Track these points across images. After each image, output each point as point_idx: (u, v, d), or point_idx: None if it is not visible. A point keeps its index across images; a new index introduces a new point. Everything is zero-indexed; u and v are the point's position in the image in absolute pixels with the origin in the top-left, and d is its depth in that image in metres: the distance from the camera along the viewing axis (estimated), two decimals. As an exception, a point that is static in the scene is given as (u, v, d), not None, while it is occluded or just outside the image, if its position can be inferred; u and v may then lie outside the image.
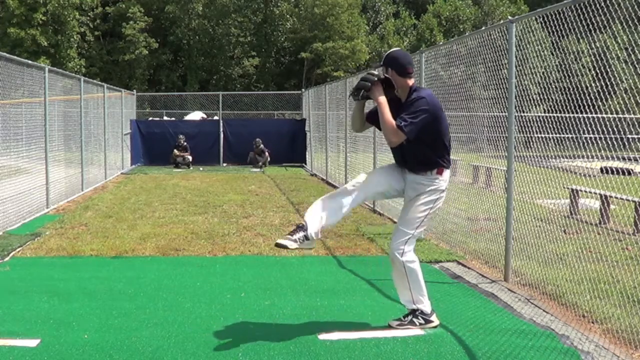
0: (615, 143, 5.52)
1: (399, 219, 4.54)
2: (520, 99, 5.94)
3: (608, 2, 4.55)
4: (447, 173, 4.46)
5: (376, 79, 4.34)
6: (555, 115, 6.30)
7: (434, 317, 4.53)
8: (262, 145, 19.84)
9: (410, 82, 4.41)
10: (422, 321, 4.48)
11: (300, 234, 4.30)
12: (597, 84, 5.09)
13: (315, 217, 4.36)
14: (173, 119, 27.05)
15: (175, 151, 19.44)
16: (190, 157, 19.50)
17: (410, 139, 4.22)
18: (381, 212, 10.10)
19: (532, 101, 6.47)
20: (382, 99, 4.30)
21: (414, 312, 4.50)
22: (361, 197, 4.48)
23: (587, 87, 5.54)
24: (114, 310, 4.95)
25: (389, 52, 4.55)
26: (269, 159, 19.79)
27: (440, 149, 4.39)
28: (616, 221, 9.12)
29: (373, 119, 4.56)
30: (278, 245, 4.29)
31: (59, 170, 11.81)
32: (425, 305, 4.50)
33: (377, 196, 4.71)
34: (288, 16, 46.95)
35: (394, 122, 4.20)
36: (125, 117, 19.74)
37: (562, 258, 6.17)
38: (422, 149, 4.31)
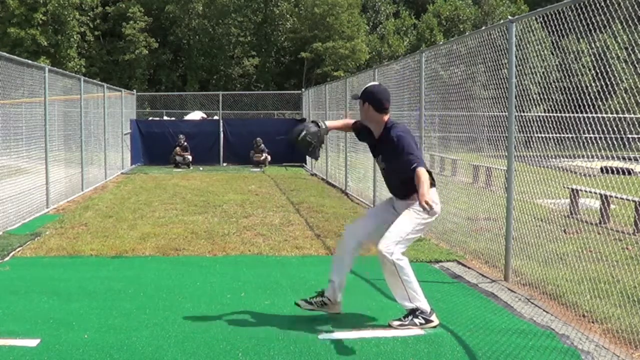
0: (615, 143, 5.52)
1: (390, 226, 4.55)
2: (520, 99, 5.94)
3: (608, 2, 4.55)
4: (432, 192, 4.49)
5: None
6: (555, 115, 6.30)
7: (434, 317, 4.53)
8: (262, 145, 19.83)
9: (386, 117, 4.61)
10: (422, 321, 4.48)
11: (318, 299, 4.75)
12: (597, 83, 5.09)
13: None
14: (173, 118, 27.03)
15: (178, 149, 19.43)
16: (190, 157, 19.50)
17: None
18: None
19: (532, 101, 6.47)
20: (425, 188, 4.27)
21: (414, 312, 4.50)
22: (358, 245, 4.75)
23: (587, 87, 5.54)
24: (114, 310, 4.95)
25: (367, 86, 4.74)
26: (269, 159, 19.77)
27: None
28: (616, 221, 9.11)
29: (358, 130, 4.92)
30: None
31: (59, 170, 11.81)
32: (423, 303, 4.51)
33: (374, 235, 4.67)
34: (288, 16, 46.93)
35: (421, 179, 4.21)
36: (125, 117, 19.73)
37: (562, 258, 6.17)
38: (404, 177, 4.42)
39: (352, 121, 5.05)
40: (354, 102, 12.61)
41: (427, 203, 4.02)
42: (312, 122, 4.73)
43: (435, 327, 4.50)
